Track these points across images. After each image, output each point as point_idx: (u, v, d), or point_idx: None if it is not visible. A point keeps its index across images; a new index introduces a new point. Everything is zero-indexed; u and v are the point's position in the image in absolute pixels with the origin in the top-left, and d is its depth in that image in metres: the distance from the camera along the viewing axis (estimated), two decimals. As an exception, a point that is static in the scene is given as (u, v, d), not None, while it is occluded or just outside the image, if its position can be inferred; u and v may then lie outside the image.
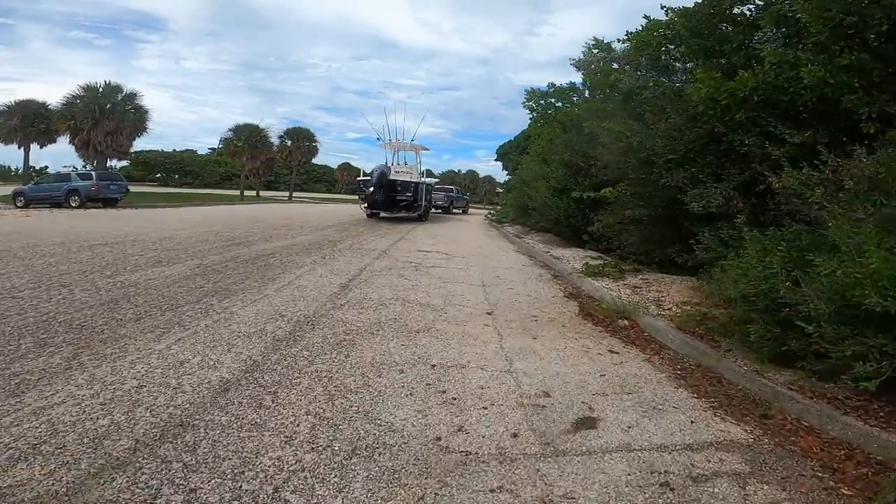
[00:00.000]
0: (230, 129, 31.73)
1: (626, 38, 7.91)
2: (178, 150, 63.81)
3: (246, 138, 31.39)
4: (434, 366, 3.42)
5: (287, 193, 43.56)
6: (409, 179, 17.51)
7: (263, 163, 38.21)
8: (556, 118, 10.91)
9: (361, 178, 19.76)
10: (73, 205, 20.13)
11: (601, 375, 3.53)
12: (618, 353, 4.05)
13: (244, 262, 6.90)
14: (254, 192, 41.48)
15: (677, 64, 7.62)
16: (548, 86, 12.55)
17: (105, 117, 24.21)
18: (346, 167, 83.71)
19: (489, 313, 4.85)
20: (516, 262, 8.51)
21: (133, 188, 46.12)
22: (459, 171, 71.42)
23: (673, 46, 7.29)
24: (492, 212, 31.53)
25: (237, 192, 42.49)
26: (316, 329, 4.02)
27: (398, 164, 19.80)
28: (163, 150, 59.96)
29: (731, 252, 4.51)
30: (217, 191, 47.02)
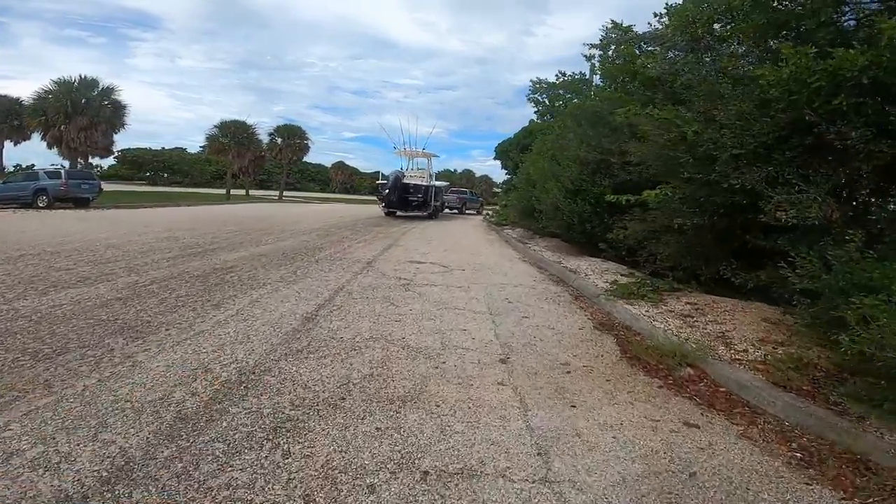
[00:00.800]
0: (215, 126, 30.27)
1: (664, 12, 6.66)
2: (167, 147, 62.19)
3: (232, 135, 29.88)
4: (427, 473, 2.12)
5: (287, 193, 42.17)
6: (419, 183, 19.92)
7: (252, 161, 36.80)
8: (567, 110, 9.60)
9: (380, 181, 22.41)
10: (41, 205, 18.96)
11: (690, 475, 2.27)
12: (698, 426, 2.77)
13: (192, 280, 5.56)
14: (243, 192, 40.06)
15: (722, 45, 6.39)
16: (557, 75, 11.28)
17: (78, 113, 22.69)
18: (340, 166, 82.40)
19: (503, 361, 3.54)
20: (526, 277, 7.21)
21: (119, 187, 44.66)
22: (455, 170, 70.34)
23: (720, 25, 6.07)
24: (489, 213, 30.23)
25: (234, 192, 41.16)
26: (249, 396, 2.70)
27: (412, 169, 22.31)
28: (150, 148, 58.33)
29: (842, 280, 3.26)
30: (206, 190, 45.49)
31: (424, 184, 20.06)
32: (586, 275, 6.98)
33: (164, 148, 61.87)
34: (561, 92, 11.61)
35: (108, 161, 63.86)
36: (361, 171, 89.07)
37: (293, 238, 10.21)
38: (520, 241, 11.54)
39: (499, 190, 47.90)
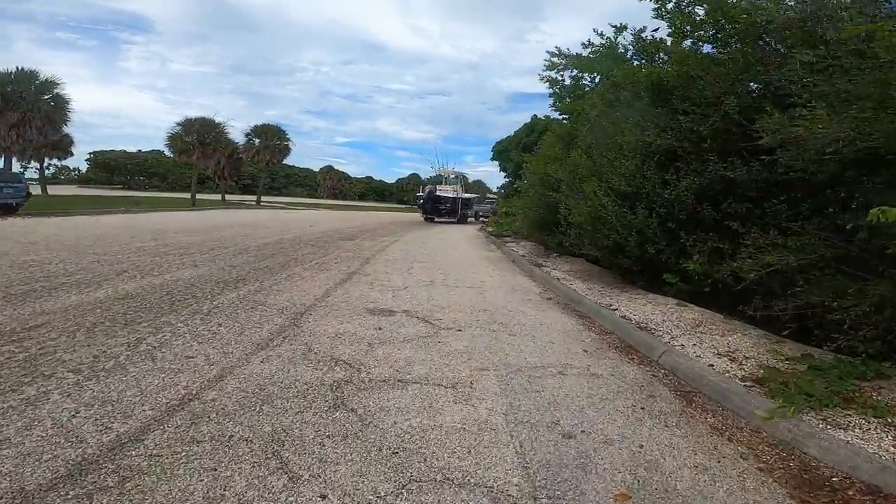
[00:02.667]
0: (178, 124, 26.93)
1: None
2: (143, 150, 58.53)
3: (197, 134, 26.64)
4: None
5: (267, 199, 38.85)
6: (448, 195, 25.20)
7: (228, 163, 33.68)
8: (616, 80, 6.69)
9: (419, 194, 28.18)
10: (-40, 212, 16.03)
11: None
12: None
13: None
14: (219, 196, 36.85)
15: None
16: (584, 44, 8.38)
17: (9, 108, 19.41)
18: (328, 170, 79.22)
19: None
20: (568, 341, 4.26)
21: (88, 192, 41.21)
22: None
23: None
24: (485, 218, 27.32)
25: (211, 196, 38.11)
26: None
27: (443, 183, 27.54)
28: (125, 151, 54.67)
29: None
30: (178, 195, 42.09)
31: (452, 196, 25.23)
32: (673, 337, 4.05)
33: (140, 150, 58.25)
34: (576, 72, 8.77)
35: (83, 164, 60.29)
36: (352, 175, 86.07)
37: (217, 261, 7.20)
38: (533, 263, 8.62)
39: (493, 196, 44.88)
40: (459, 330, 4.10)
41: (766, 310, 3.83)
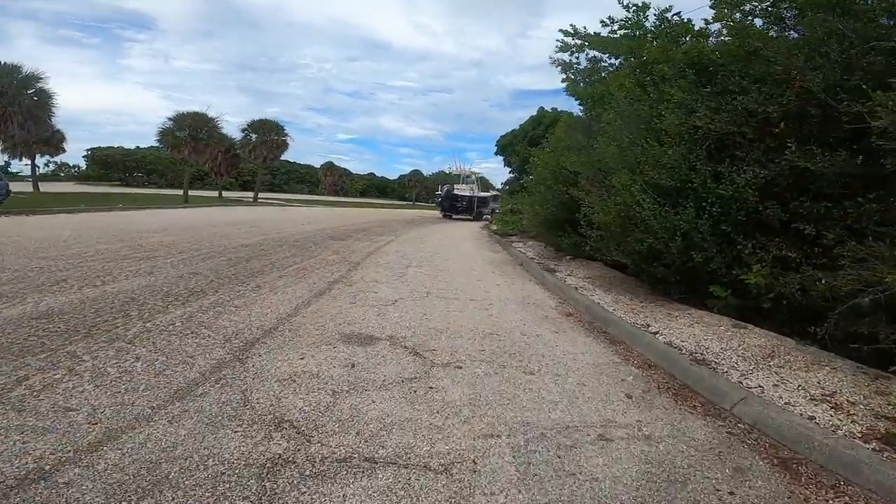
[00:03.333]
0: (170, 118, 25.92)
1: None
2: (143, 147, 57.67)
3: (189, 128, 25.65)
4: None
5: (266, 195, 37.99)
6: (464, 194, 27.26)
7: (224, 159, 32.74)
8: (649, 56, 5.65)
9: (437, 193, 31.40)
10: (-63, 208, 15.12)
11: None
12: None
13: None
14: (216, 193, 35.98)
15: None
16: (604, 21, 7.36)
17: (-12, 103, 18.49)
18: (329, 166, 78.19)
19: None
20: (604, 387, 3.27)
21: (84, 189, 40.50)
22: (450, 172, 66.44)
23: None
24: (491, 212, 26.42)
25: (208, 193, 37.33)
26: None
27: (461, 183, 30.43)
28: (122, 147, 53.78)
29: None
30: (178, 191, 41.23)
31: (468, 194, 27.17)
32: (743, 374, 3.06)
33: (138, 147, 57.38)
34: (594, 53, 7.74)
35: (82, 162, 59.55)
36: (353, 172, 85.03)
37: (179, 267, 6.24)
38: (545, 268, 7.62)
39: (497, 192, 43.78)
40: (459, 367, 3.11)
41: (843, 334, 2.85)
